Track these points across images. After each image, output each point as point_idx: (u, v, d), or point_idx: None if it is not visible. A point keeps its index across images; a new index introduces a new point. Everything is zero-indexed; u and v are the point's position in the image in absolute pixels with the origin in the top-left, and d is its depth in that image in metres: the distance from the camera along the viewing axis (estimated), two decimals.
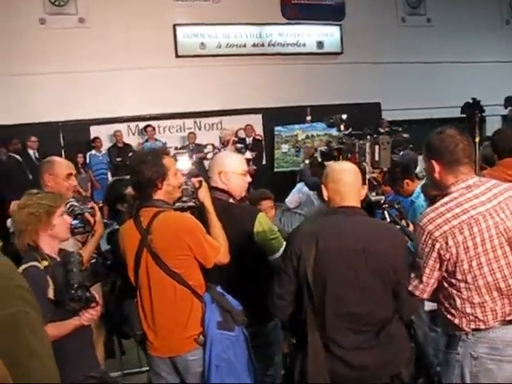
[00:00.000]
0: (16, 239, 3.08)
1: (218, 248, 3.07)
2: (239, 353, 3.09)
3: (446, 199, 2.69)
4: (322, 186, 2.93)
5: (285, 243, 3.25)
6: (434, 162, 2.74)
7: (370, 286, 2.74)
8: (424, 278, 2.68)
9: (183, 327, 3.04)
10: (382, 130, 3.68)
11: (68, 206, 3.68)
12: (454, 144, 2.69)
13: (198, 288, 3.07)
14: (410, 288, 2.72)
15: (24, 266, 2.87)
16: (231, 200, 3.47)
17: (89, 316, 2.96)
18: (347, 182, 2.85)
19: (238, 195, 3.53)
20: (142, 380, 4.39)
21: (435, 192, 2.98)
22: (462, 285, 2.63)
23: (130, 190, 3.85)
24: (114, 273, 3.74)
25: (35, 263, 2.93)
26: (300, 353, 2.82)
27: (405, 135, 6.72)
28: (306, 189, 7.17)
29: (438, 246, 2.61)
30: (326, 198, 2.92)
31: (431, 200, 3.36)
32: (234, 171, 3.47)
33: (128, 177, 3.42)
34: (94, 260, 3.73)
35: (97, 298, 3.04)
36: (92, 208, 3.68)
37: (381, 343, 2.75)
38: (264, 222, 3.40)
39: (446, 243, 2.60)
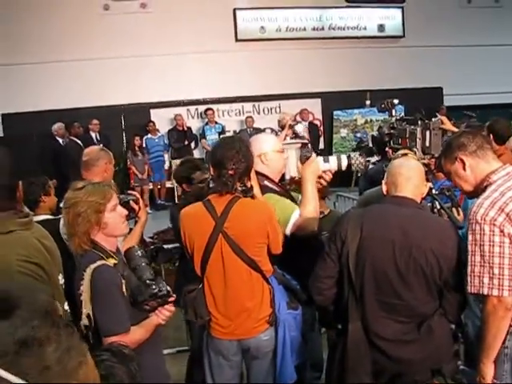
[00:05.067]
0: (69, 242, 2.69)
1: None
2: (300, 329, 3.23)
3: (493, 187, 2.65)
4: (383, 182, 2.92)
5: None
6: (460, 157, 2.76)
7: (410, 281, 2.67)
8: (506, 271, 2.49)
9: (258, 310, 3.13)
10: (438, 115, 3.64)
11: None
12: (472, 135, 2.81)
13: (267, 273, 3.15)
14: (485, 291, 2.52)
15: (93, 266, 2.52)
16: (265, 182, 3.39)
17: (167, 313, 2.71)
18: (403, 174, 2.82)
19: (278, 173, 3.50)
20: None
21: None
22: None
23: (198, 174, 3.92)
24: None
25: (103, 262, 2.57)
26: (341, 340, 2.82)
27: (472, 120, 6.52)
28: None
29: (506, 230, 2.51)
30: (385, 193, 2.89)
31: None
32: (272, 150, 3.46)
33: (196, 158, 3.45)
34: (152, 247, 3.75)
35: (171, 291, 2.72)
36: (135, 196, 3.52)
37: (422, 337, 2.70)
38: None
39: None
